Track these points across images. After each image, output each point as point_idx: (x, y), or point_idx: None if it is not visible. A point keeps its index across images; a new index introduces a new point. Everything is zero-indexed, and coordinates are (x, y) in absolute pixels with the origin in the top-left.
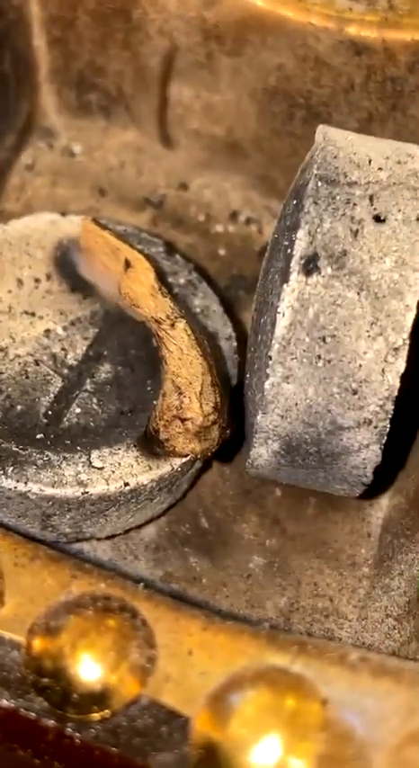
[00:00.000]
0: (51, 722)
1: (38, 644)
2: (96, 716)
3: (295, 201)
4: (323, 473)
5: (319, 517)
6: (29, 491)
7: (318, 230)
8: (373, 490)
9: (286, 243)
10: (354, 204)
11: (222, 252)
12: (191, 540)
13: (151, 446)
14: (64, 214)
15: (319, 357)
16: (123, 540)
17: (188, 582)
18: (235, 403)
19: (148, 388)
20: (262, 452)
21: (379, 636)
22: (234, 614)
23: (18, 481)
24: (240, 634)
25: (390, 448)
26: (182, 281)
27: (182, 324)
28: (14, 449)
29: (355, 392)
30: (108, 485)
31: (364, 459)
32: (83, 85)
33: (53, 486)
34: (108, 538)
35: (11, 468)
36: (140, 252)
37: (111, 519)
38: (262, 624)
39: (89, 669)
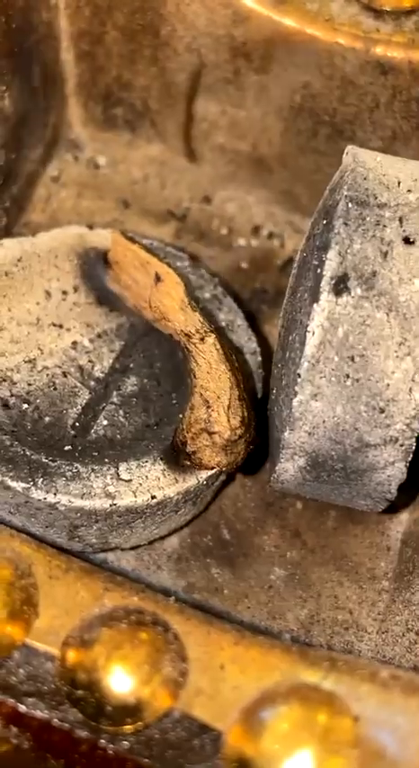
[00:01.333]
0: (85, 733)
1: (72, 656)
2: (129, 728)
3: (325, 221)
4: (347, 489)
5: (339, 530)
6: (58, 502)
7: (348, 251)
8: (393, 504)
9: (316, 262)
10: (384, 226)
11: (244, 265)
12: (213, 552)
13: (178, 459)
14: (91, 227)
15: (348, 376)
16: (147, 550)
17: (210, 593)
18: (258, 417)
19: (174, 402)
20: (288, 467)
21: (400, 650)
22: (255, 626)
23: (48, 492)
24: (271, 649)
25: (412, 464)
26: (207, 295)
27: (211, 338)
28: (44, 460)
29: (383, 411)
30: (136, 497)
31: (389, 476)
32: (109, 99)
33: (82, 498)
34: (132, 548)
35: (40, 480)
36: (169, 266)
37: (137, 530)
38: (283, 636)
39: (122, 682)
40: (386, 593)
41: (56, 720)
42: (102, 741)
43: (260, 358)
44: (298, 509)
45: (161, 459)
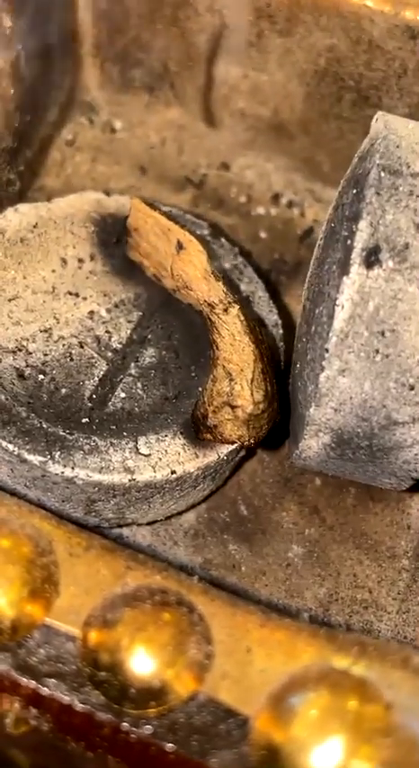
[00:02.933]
0: (107, 716)
1: (94, 636)
2: (153, 711)
3: (355, 191)
4: (372, 467)
5: (359, 508)
6: (76, 476)
7: (381, 222)
8: (415, 482)
9: (345, 233)
10: (418, 196)
11: (263, 235)
12: (230, 528)
13: (198, 433)
14: (108, 193)
15: (377, 351)
16: (163, 525)
17: (227, 569)
18: (280, 391)
19: (193, 374)
20: (311, 444)
21: None
22: (273, 604)
23: (65, 466)
24: (298, 632)
25: None
26: (227, 265)
27: (235, 309)
28: (61, 433)
29: (412, 387)
30: (155, 472)
31: (416, 454)
32: (127, 61)
33: (100, 473)
34: (148, 524)
35: (58, 453)
36: (191, 233)
37: (155, 505)
38: (301, 614)
39: (146, 664)
40: (406, 573)
41: (77, 702)
42: (125, 725)
43: (282, 330)
44: (317, 485)
45: (181, 433)
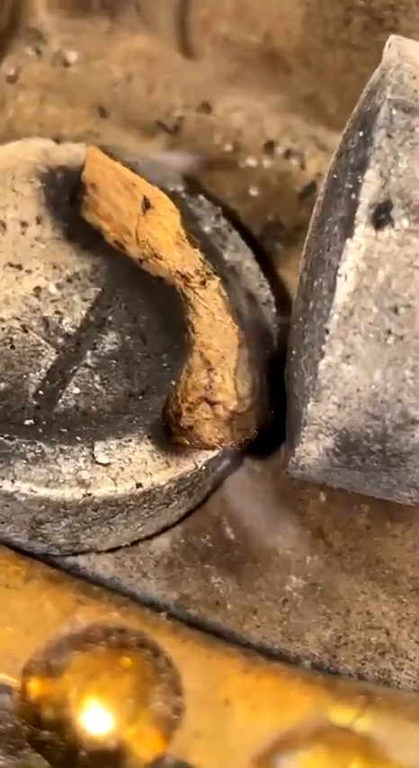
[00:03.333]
0: None
1: (35, 687)
2: None
3: (361, 133)
4: (386, 477)
5: (374, 529)
6: (17, 491)
7: (392, 171)
8: None
9: (349, 185)
10: None
11: (254, 192)
12: (212, 556)
13: (170, 436)
14: (58, 141)
15: (389, 332)
16: (129, 553)
17: (209, 607)
18: (273, 384)
19: (165, 365)
20: (311, 449)
21: None
22: (266, 649)
23: (4, 479)
24: (290, 679)
25: None
26: (207, 228)
27: (215, 282)
28: None
29: None
30: (116, 485)
31: None
32: None
33: (47, 486)
34: (111, 551)
35: None
36: (162, 189)
37: (117, 528)
38: (301, 662)
39: (100, 720)
40: None
41: None
42: None
43: (274, 309)
44: (322, 502)
45: (148, 437)
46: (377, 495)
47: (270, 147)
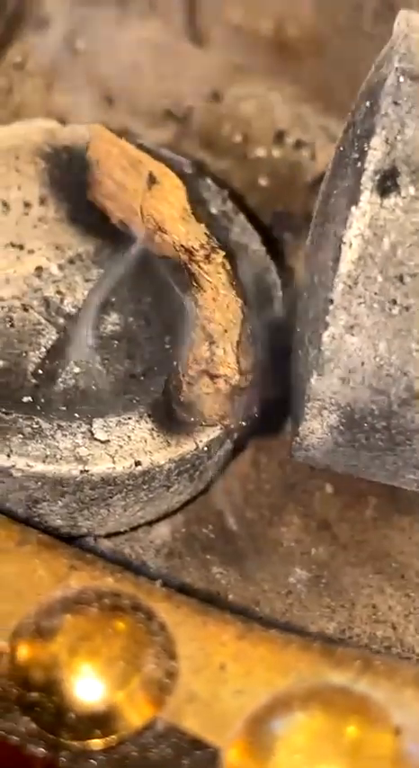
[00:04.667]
0: (40, 750)
1: (25, 649)
2: (98, 743)
3: (368, 103)
4: (392, 457)
5: (381, 522)
6: (12, 466)
7: (398, 138)
8: None
9: (355, 155)
10: None
11: (264, 182)
12: (215, 546)
13: (170, 413)
14: (63, 122)
15: (394, 302)
16: (128, 540)
17: (210, 598)
18: (280, 366)
19: (167, 346)
20: (314, 427)
21: None
22: None
23: None
24: (286, 645)
25: None
26: (214, 210)
27: (219, 257)
28: None
29: None
30: (114, 463)
31: None
32: None
33: (44, 462)
34: (108, 536)
35: None
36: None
37: (115, 510)
38: None
39: (91, 683)
40: None
41: (2, 733)
42: (63, 759)
43: (281, 293)
44: (328, 493)
45: (148, 415)
46: (382, 478)
47: (280, 137)
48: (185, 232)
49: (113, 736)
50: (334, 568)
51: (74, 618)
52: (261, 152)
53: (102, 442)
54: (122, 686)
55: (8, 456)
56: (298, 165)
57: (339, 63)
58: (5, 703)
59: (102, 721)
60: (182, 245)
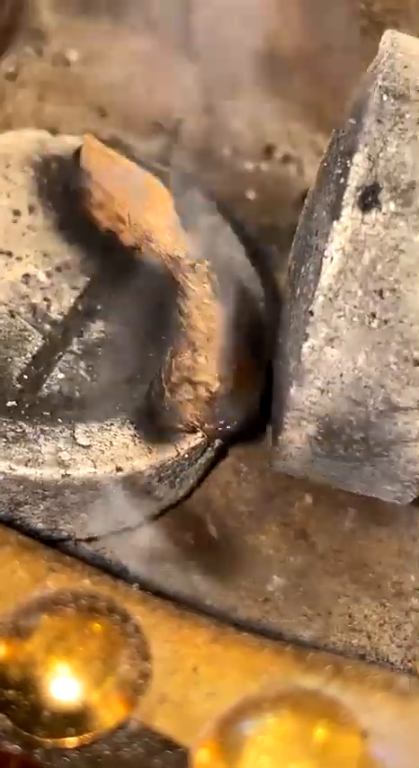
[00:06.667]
0: (15, 747)
1: (1, 648)
2: (72, 741)
3: (352, 120)
4: (369, 467)
5: (358, 533)
6: None
7: (381, 155)
8: None
9: (338, 171)
10: None
11: (251, 196)
12: (194, 552)
13: (152, 420)
14: (54, 132)
15: (373, 315)
16: (108, 546)
17: (188, 604)
18: (262, 376)
19: (150, 355)
20: (293, 437)
21: None
22: None
23: None
24: (259, 649)
25: None
26: (200, 222)
27: (204, 266)
28: None
29: (417, 363)
30: (95, 467)
31: None
32: None
33: (26, 465)
34: (89, 540)
35: None
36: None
37: (96, 514)
38: None
39: (66, 682)
40: (415, 614)
41: None
42: (37, 756)
43: (264, 304)
44: (307, 504)
45: (131, 422)
46: (360, 489)
47: (268, 151)
48: (172, 241)
49: (87, 735)
50: (312, 577)
51: (51, 618)
52: (249, 166)
53: (84, 447)
54: (97, 686)
55: None
56: (285, 180)
57: (328, 80)
58: None
59: (76, 720)
60: (168, 255)
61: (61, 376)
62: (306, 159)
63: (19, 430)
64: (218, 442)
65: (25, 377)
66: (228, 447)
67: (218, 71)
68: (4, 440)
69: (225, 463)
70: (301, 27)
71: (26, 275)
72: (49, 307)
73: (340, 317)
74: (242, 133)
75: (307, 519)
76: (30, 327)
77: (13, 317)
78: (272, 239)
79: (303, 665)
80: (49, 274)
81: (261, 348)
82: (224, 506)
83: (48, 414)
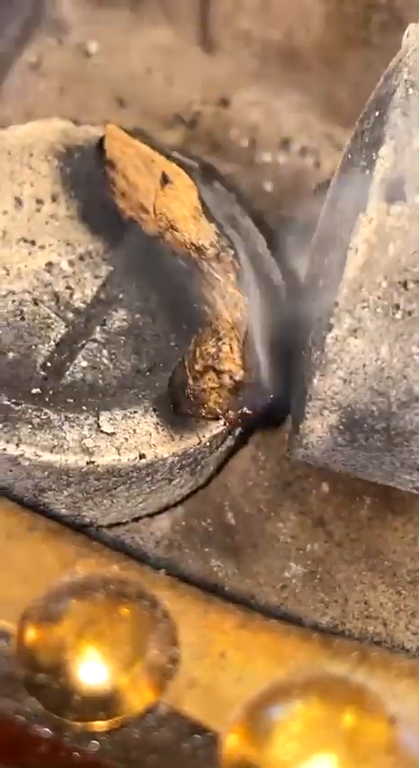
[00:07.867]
0: (45, 730)
1: (32, 632)
2: (102, 725)
3: (377, 113)
4: (389, 457)
5: (375, 521)
6: (21, 455)
7: (406, 148)
8: None
9: (363, 163)
10: None
11: (269, 188)
12: (213, 539)
13: (175, 407)
14: (77, 122)
15: (397, 307)
16: (129, 532)
17: (207, 590)
18: (282, 365)
19: (173, 344)
20: (315, 426)
21: None
22: None
23: (8, 442)
24: (286, 635)
25: None
26: (220, 213)
27: (229, 256)
28: (5, 402)
29: None
30: (119, 455)
31: None
32: None
33: (52, 452)
34: (110, 527)
35: (0, 425)
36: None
37: (119, 501)
38: None
39: (96, 666)
40: None
41: (8, 713)
42: (67, 740)
43: (284, 294)
44: (324, 492)
45: (154, 410)
46: (379, 478)
47: (286, 143)
48: (196, 231)
49: (116, 719)
50: (329, 565)
51: (80, 603)
52: (267, 157)
53: (108, 434)
54: (126, 670)
55: (17, 445)
56: (303, 172)
57: (346, 73)
58: (13, 684)
59: (105, 704)
60: (192, 244)
61: (84, 364)
62: (323, 152)
63: (44, 416)
64: (238, 430)
65: (49, 364)
66: (249, 435)
67: (236, 63)
68: (30, 426)
69: (243, 451)
70: (320, 20)
71: (49, 264)
72: (71, 295)
73: (364, 307)
74: (259, 125)
75: (325, 507)
76: (53, 315)
77: (36, 304)
78: (290, 230)
79: (330, 651)
80: (71, 263)
81: (282, 337)
82: (242, 494)
83: (72, 401)
